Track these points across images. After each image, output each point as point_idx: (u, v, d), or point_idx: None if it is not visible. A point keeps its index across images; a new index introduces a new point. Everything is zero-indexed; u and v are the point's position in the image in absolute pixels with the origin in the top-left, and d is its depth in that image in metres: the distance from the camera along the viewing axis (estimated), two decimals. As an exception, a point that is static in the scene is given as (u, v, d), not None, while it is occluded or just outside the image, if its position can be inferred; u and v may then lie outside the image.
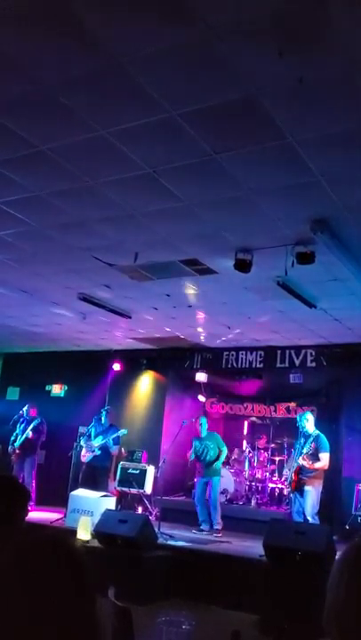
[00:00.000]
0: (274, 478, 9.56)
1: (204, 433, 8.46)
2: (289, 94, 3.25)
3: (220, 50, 2.96)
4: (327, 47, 2.87)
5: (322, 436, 7.27)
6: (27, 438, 9.18)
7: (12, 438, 9.34)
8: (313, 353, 9.02)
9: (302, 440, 7.30)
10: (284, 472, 7.34)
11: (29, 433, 9.16)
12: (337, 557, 1.11)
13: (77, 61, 3.15)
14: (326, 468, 7.23)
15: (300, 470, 7.15)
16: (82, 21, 2.86)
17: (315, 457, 7.12)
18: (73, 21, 2.86)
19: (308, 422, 7.36)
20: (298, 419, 7.50)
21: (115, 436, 8.66)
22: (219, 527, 8.06)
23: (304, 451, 7.15)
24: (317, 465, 7.10)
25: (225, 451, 8.53)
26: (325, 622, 1.01)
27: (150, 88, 3.31)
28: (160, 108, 3.47)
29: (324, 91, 3.21)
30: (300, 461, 7.10)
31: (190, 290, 6.92)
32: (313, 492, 7.08)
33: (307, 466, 7.06)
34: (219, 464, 8.32)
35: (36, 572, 0.93)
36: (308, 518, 7.00)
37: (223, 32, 2.84)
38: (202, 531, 8.08)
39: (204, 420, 8.60)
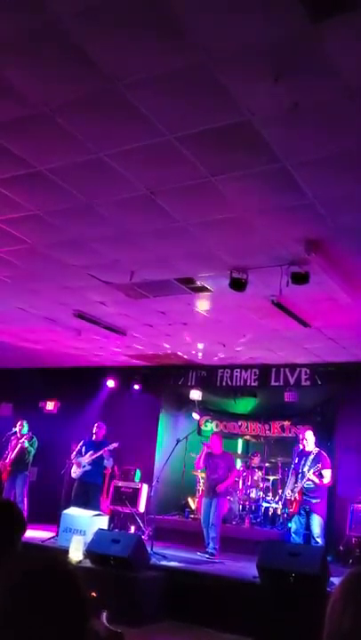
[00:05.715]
0: (268, 498, 9.50)
1: (218, 450, 8.21)
2: (284, 119, 3.31)
3: (217, 75, 3.02)
4: (322, 73, 2.94)
5: (323, 453, 7.37)
6: (21, 448, 9.08)
7: (3, 455, 9.26)
8: (308, 371, 9.04)
9: (302, 459, 7.32)
10: (286, 493, 7.28)
11: (25, 443, 9.08)
12: (337, 585, 1.06)
13: (76, 86, 3.21)
14: (330, 484, 7.30)
15: (304, 491, 7.15)
16: (81, 48, 2.91)
17: (320, 475, 7.20)
18: (73, 48, 2.91)
19: (309, 441, 7.42)
20: (301, 437, 7.57)
21: (107, 449, 8.56)
22: (213, 552, 7.59)
23: (306, 469, 7.17)
24: (322, 481, 7.18)
25: (234, 474, 8.41)
26: None
27: (148, 112, 3.36)
28: (157, 131, 3.52)
29: (318, 115, 3.28)
30: (311, 477, 7.13)
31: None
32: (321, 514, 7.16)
33: (317, 482, 7.11)
34: (223, 487, 7.92)
35: (34, 600, 0.91)
36: (318, 540, 7.01)
37: (220, 58, 2.91)
38: (207, 552, 7.66)
39: (219, 437, 8.46)
